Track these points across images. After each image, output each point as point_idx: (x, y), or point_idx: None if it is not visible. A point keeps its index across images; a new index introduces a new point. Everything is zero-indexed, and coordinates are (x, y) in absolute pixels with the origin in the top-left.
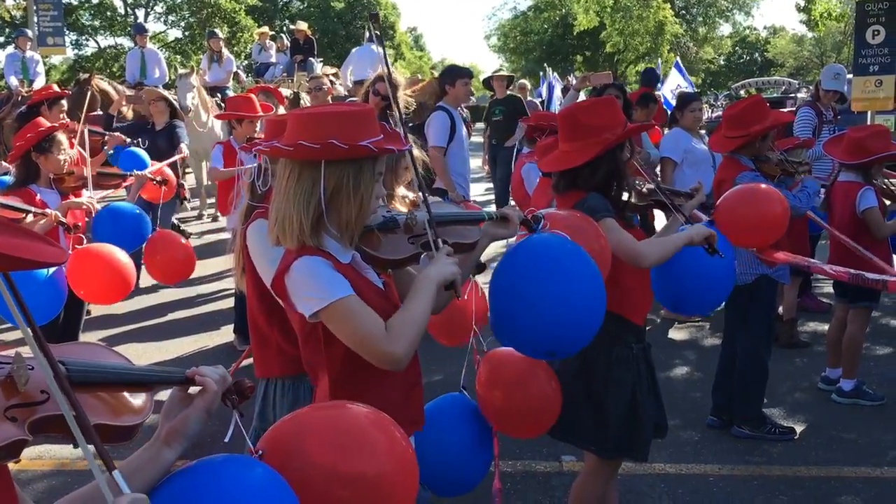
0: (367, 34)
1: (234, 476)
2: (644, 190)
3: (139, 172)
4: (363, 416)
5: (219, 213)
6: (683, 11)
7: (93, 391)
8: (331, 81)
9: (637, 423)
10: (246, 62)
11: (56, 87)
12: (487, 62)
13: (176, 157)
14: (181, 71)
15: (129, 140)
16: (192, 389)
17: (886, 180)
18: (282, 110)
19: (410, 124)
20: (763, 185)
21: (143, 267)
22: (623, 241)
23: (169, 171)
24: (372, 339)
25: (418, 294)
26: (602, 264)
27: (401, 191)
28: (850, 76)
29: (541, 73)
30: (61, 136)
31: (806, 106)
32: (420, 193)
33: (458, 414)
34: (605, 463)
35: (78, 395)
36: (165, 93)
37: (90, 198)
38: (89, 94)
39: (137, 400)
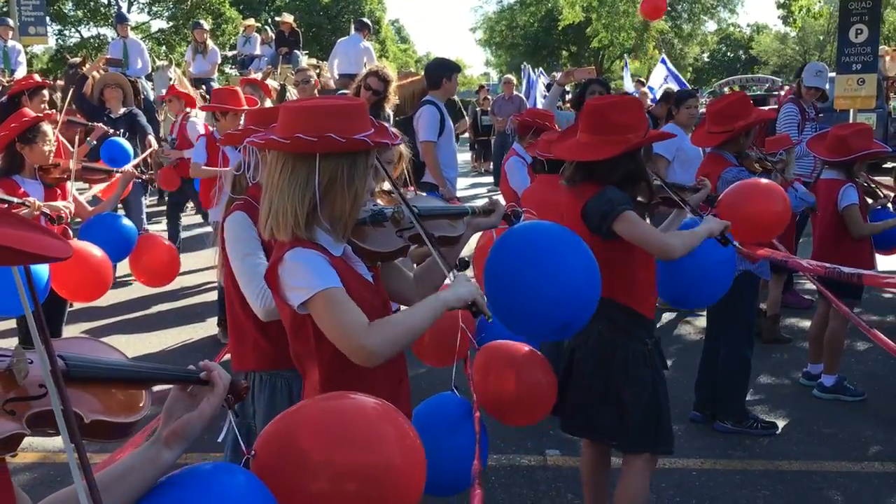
0: (353, 27)
1: (215, 486)
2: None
3: (126, 169)
4: (369, 408)
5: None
6: (669, 8)
7: (91, 387)
8: (317, 73)
9: (659, 418)
10: (231, 54)
11: (38, 77)
12: (473, 56)
13: (148, 153)
14: (158, 63)
15: (112, 130)
16: (191, 388)
17: (867, 182)
18: (268, 103)
19: (397, 118)
20: (765, 181)
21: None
22: (651, 234)
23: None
24: (350, 331)
25: (420, 307)
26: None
27: (385, 185)
28: (832, 74)
29: (523, 66)
30: (46, 127)
31: (789, 102)
32: (396, 192)
33: (452, 414)
34: (648, 460)
35: (76, 391)
36: (123, 79)
37: (66, 205)
38: (85, 78)
39: (135, 397)
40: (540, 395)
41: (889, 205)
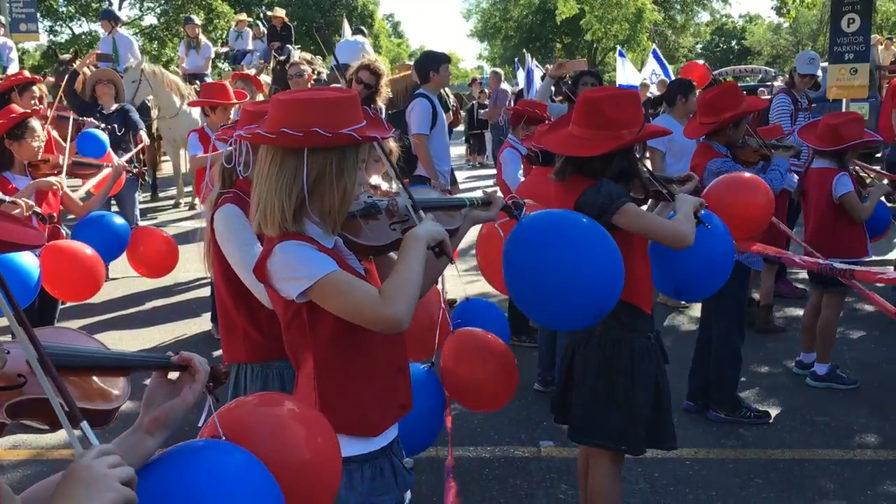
0: (346, 25)
1: (216, 461)
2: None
3: (117, 162)
4: (286, 410)
5: (196, 202)
6: None
7: (70, 375)
8: (313, 69)
9: (663, 412)
10: (224, 49)
11: (28, 73)
12: (467, 49)
13: (139, 148)
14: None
15: (102, 126)
16: (172, 375)
17: (857, 168)
18: (260, 98)
19: (390, 112)
20: (747, 175)
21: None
22: (660, 222)
23: (115, 158)
24: (368, 305)
25: (406, 254)
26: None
27: (374, 179)
28: (825, 64)
29: (516, 60)
30: (35, 123)
31: (782, 93)
32: (397, 182)
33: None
34: (619, 458)
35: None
36: (116, 75)
37: (59, 179)
38: (76, 74)
39: (114, 384)
40: (494, 382)
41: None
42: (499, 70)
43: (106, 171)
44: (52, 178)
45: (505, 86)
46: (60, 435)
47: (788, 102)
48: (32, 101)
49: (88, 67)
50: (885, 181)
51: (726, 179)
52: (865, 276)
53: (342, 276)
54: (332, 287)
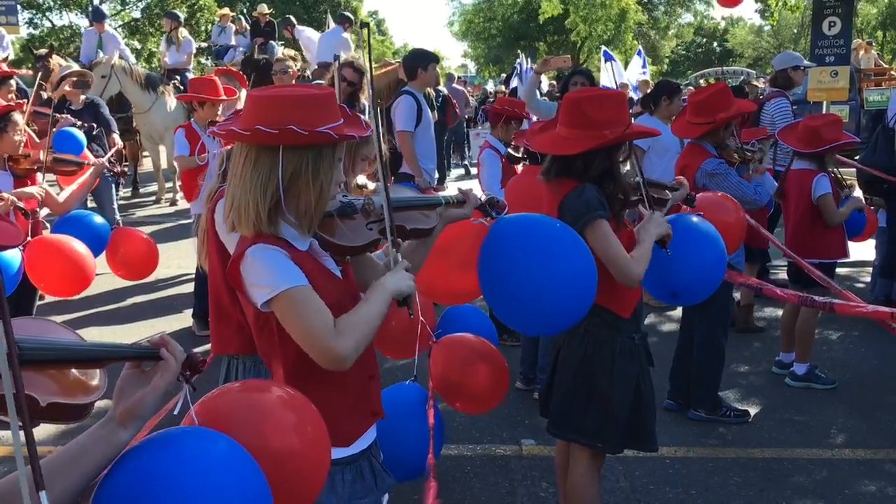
0: (331, 22)
1: (200, 450)
2: (633, 184)
3: (97, 160)
4: (275, 397)
5: (177, 198)
6: None
7: (46, 368)
8: (301, 67)
9: (642, 414)
10: (205, 44)
11: (5, 67)
12: (451, 48)
13: (114, 150)
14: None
15: (79, 122)
16: (144, 365)
17: (836, 169)
18: (244, 93)
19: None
20: (720, 195)
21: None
22: (616, 253)
23: (90, 155)
24: (318, 334)
25: (371, 299)
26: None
27: (360, 179)
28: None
29: (517, 63)
30: (17, 116)
31: (780, 97)
32: (381, 180)
33: (412, 403)
34: (599, 455)
35: (31, 374)
36: (89, 73)
37: (41, 186)
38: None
39: (90, 377)
40: (487, 384)
41: (857, 192)
42: (453, 73)
43: (89, 173)
44: (33, 189)
45: (455, 85)
46: (37, 431)
47: (787, 104)
48: (10, 95)
49: (69, 86)
50: (857, 191)
51: (705, 199)
52: (845, 310)
53: (305, 292)
54: (290, 303)
